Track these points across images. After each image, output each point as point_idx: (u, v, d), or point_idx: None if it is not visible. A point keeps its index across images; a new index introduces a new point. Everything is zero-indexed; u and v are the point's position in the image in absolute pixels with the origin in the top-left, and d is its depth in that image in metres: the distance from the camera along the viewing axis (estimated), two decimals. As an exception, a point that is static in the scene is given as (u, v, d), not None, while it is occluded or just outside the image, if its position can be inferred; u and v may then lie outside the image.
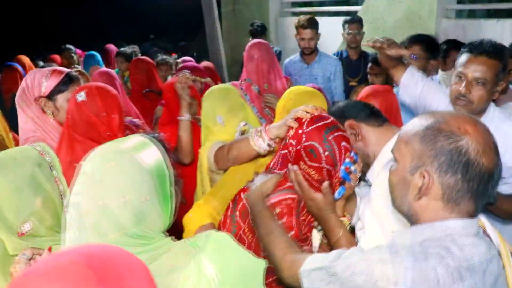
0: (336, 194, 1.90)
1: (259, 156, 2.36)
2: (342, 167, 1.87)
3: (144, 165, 1.38)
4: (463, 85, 2.52)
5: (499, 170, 1.35)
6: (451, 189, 1.32)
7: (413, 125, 1.43)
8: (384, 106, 2.83)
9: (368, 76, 4.71)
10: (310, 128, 1.90)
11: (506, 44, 4.48)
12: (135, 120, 2.93)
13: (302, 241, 2.02)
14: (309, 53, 5.20)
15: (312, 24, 5.14)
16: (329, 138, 1.86)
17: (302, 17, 5.20)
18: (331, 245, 1.89)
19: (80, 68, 6.62)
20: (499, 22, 5.52)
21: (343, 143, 1.88)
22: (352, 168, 1.90)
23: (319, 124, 1.90)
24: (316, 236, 2.09)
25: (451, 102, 2.63)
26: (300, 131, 1.92)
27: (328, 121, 1.93)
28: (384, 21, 6.61)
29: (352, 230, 2.03)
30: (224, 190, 2.40)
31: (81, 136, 2.49)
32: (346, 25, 5.59)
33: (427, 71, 3.70)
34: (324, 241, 2.07)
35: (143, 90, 4.92)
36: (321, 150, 1.85)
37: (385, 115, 2.12)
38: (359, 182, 2.03)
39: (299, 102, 2.41)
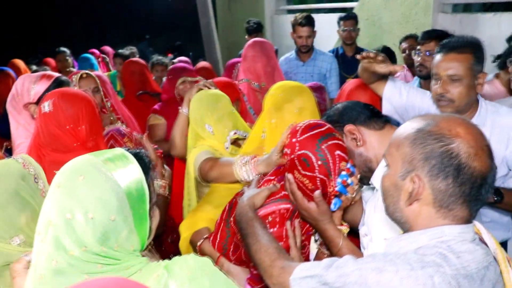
0: (332, 206, 1.84)
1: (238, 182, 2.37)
2: (339, 180, 1.82)
3: (120, 182, 1.32)
4: (439, 84, 2.50)
5: (493, 174, 1.31)
6: (442, 194, 1.28)
7: (404, 129, 1.39)
8: (375, 99, 2.85)
9: None
10: (303, 136, 1.86)
11: (503, 37, 4.47)
12: (121, 128, 2.85)
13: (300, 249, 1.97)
14: (306, 51, 5.17)
15: (310, 21, 5.12)
16: (323, 147, 1.82)
17: (299, 15, 5.18)
18: (333, 255, 1.82)
19: (75, 71, 6.58)
20: (495, 16, 5.48)
21: (337, 152, 1.84)
22: (349, 181, 1.84)
23: (313, 132, 1.86)
24: (313, 246, 2.06)
25: (435, 105, 2.61)
26: (294, 140, 1.89)
27: (323, 129, 1.88)
28: (380, 17, 6.58)
29: (356, 235, 1.99)
30: (217, 194, 2.41)
31: (47, 148, 2.40)
32: (341, 22, 5.57)
33: None
34: (322, 250, 2.02)
35: (136, 93, 4.88)
36: (314, 159, 1.82)
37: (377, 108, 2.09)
38: (361, 187, 1.99)
39: (287, 98, 2.41)
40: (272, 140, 2.33)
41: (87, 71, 3.59)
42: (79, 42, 11.11)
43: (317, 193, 1.82)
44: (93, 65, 6.41)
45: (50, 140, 2.39)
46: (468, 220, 1.33)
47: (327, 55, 5.32)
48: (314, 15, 5.34)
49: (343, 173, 1.83)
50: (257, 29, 6.44)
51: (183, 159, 3.26)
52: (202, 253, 2.22)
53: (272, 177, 2.00)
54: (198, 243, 2.23)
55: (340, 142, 1.88)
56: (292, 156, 1.87)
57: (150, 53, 8.85)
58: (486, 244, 1.39)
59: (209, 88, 3.01)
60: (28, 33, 13.50)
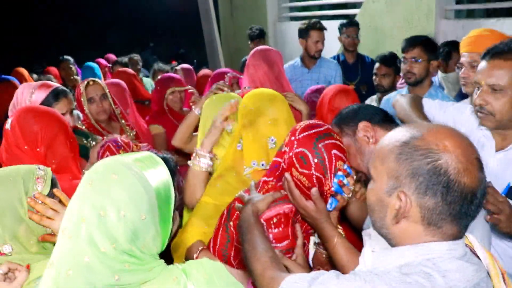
0: (328, 206, 1.86)
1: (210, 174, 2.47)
2: (335, 180, 1.84)
3: (150, 183, 1.35)
4: (477, 94, 2.26)
5: (483, 187, 1.25)
6: (431, 212, 1.23)
7: (389, 140, 1.33)
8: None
9: (374, 77, 4.64)
10: (302, 135, 1.90)
11: (507, 43, 4.44)
12: (120, 139, 2.83)
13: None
14: (319, 56, 5.15)
15: (323, 26, 5.14)
16: (319, 145, 1.86)
17: (313, 20, 5.18)
18: (329, 253, 1.85)
19: (79, 79, 6.60)
20: (498, 21, 5.47)
21: (334, 151, 1.86)
22: (345, 181, 1.86)
23: (311, 131, 1.90)
24: (311, 246, 2.07)
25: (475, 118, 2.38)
26: (292, 138, 1.92)
27: (321, 129, 1.92)
28: (383, 23, 6.58)
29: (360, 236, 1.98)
30: (203, 210, 2.38)
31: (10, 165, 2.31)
32: (343, 29, 5.58)
33: (429, 72, 3.64)
34: (320, 251, 2.03)
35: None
36: (310, 157, 1.85)
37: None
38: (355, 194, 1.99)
39: (259, 111, 2.38)
40: (249, 152, 2.34)
41: (94, 79, 3.61)
42: (83, 50, 11.17)
43: (314, 190, 1.84)
44: (95, 75, 6.41)
45: (11, 158, 2.32)
46: (458, 236, 1.28)
47: (332, 62, 5.32)
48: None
49: (339, 173, 1.85)
50: (259, 36, 6.46)
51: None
52: None
53: (270, 179, 2.03)
54: (195, 255, 2.20)
55: (338, 142, 1.91)
56: (291, 154, 1.91)
57: (153, 61, 8.85)
58: (478, 257, 1.34)
59: (223, 91, 3.07)
60: (31, 41, 13.56)
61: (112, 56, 8.21)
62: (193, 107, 3.23)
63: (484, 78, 2.21)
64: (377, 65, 4.59)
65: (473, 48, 2.83)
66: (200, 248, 2.22)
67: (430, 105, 2.70)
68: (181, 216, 2.76)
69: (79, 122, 3.47)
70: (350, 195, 1.91)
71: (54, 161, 2.35)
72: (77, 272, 1.28)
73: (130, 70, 5.23)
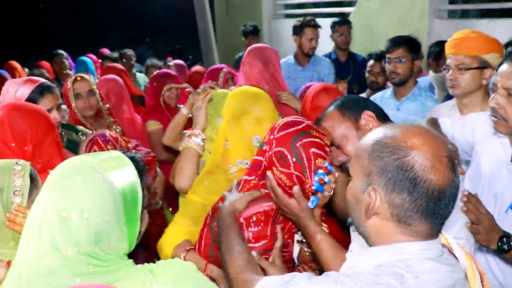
0: (310, 204, 1.84)
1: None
2: (316, 178, 1.82)
3: (116, 184, 1.33)
4: (492, 97, 2.15)
5: (454, 187, 1.25)
6: (399, 208, 1.23)
7: (366, 139, 1.34)
8: None
9: (368, 74, 4.65)
10: (280, 134, 1.90)
11: (499, 43, 4.46)
12: (108, 134, 2.82)
13: (283, 248, 1.98)
14: (313, 54, 5.15)
15: (318, 24, 5.15)
16: (297, 144, 1.86)
17: (307, 18, 5.19)
18: (313, 251, 1.84)
19: (72, 73, 6.58)
20: (491, 22, 5.49)
21: (312, 150, 1.86)
22: (326, 179, 1.83)
23: (290, 130, 1.90)
24: (296, 244, 2.07)
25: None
26: (271, 137, 1.92)
27: (300, 127, 1.91)
28: (377, 22, 6.60)
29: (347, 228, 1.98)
30: (191, 208, 2.37)
31: None
32: (336, 27, 5.60)
33: (413, 72, 3.68)
34: (304, 249, 2.04)
35: None
36: (289, 156, 1.86)
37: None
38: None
39: (243, 109, 2.40)
40: (235, 150, 2.36)
41: (81, 74, 3.59)
42: (79, 45, 11.13)
43: (296, 188, 1.83)
44: (89, 69, 6.39)
45: None
46: (431, 235, 1.28)
47: (326, 61, 5.32)
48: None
49: (320, 171, 1.83)
50: (253, 32, 6.47)
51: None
52: None
53: (252, 177, 2.02)
54: (182, 256, 2.19)
55: (317, 140, 1.89)
56: (270, 153, 1.91)
57: (149, 56, 8.84)
58: (456, 258, 1.34)
59: (213, 88, 3.05)
60: (27, 36, 13.50)
61: (106, 51, 8.17)
62: (181, 107, 3.23)
63: (501, 81, 2.09)
64: (371, 62, 4.60)
65: (459, 50, 2.80)
66: (187, 248, 2.21)
67: (446, 124, 2.62)
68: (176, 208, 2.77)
69: (66, 118, 3.45)
70: (331, 193, 1.90)
71: (41, 160, 2.32)
72: (37, 274, 1.26)
73: (119, 66, 5.21)
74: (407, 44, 3.65)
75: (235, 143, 2.36)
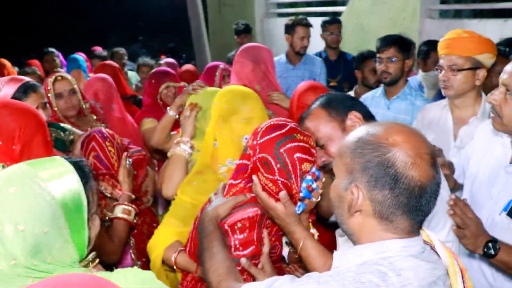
0: (296, 209, 1.80)
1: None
2: (304, 185, 1.79)
3: (54, 193, 1.28)
4: (491, 93, 2.15)
5: (435, 183, 1.26)
6: (381, 205, 1.24)
7: (349, 137, 1.35)
8: None
9: (358, 72, 4.70)
10: (263, 139, 1.84)
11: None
12: (104, 130, 2.76)
13: (270, 250, 1.95)
14: (304, 52, 5.16)
15: (309, 23, 5.15)
16: (281, 150, 1.79)
17: (299, 16, 5.19)
18: (300, 256, 1.81)
19: (63, 71, 6.55)
20: (481, 22, 5.51)
21: (296, 155, 1.79)
22: (314, 185, 1.81)
23: (273, 135, 1.83)
24: (285, 246, 2.05)
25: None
26: (254, 142, 1.86)
27: (283, 130, 1.83)
28: (368, 21, 6.61)
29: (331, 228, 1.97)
30: (181, 208, 2.36)
31: None
32: (327, 26, 5.61)
33: (404, 71, 3.66)
34: (291, 249, 2.03)
35: None
36: (273, 163, 1.80)
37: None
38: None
39: (232, 109, 2.37)
40: (224, 150, 2.34)
41: (62, 74, 3.54)
42: (72, 44, 11.09)
43: (283, 193, 1.78)
44: (80, 66, 6.36)
45: None
46: (412, 232, 1.29)
47: (317, 59, 5.33)
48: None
49: (308, 177, 1.80)
50: (245, 30, 6.48)
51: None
52: (178, 266, 2.19)
53: (237, 181, 1.97)
54: (173, 257, 2.18)
55: (301, 144, 1.82)
56: (254, 159, 1.86)
57: (143, 55, 8.83)
58: (439, 255, 1.35)
59: (201, 89, 3.04)
60: (20, 34, 13.47)
61: (99, 49, 8.15)
62: (167, 108, 3.26)
63: (503, 77, 2.10)
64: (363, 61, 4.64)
65: (452, 51, 2.77)
66: (179, 249, 2.19)
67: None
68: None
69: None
70: (318, 199, 1.87)
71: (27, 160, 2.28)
72: None
73: (114, 63, 5.15)
74: (398, 43, 3.63)
75: (224, 143, 2.34)
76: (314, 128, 1.94)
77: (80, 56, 6.70)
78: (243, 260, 1.82)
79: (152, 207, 3.33)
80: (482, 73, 2.75)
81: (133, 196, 2.70)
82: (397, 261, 1.23)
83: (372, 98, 3.88)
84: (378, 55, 3.69)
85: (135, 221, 2.64)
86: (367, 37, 6.60)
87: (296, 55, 5.18)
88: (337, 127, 1.93)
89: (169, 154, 2.66)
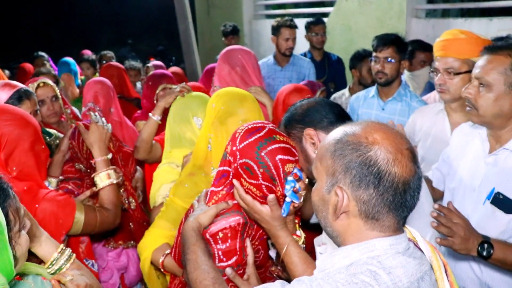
0: (282, 211, 1.79)
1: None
2: (288, 187, 1.77)
3: None
4: (465, 87, 2.21)
5: (418, 178, 1.27)
6: (366, 204, 1.24)
7: (327, 140, 1.35)
8: None
9: (355, 70, 4.70)
10: (242, 144, 1.81)
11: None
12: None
13: (254, 254, 1.93)
14: (290, 54, 5.18)
15: (295, 24, 5.16)
16: (262, 154, 1.76)
17: (284, 18, 5.19)
18: (284, 261, 1.80)
19: (52, 72, 6.52)
20: (466, 21, 5.56)
21: (278, 157, 1.77)
22: (297, 186, 1.79)
23: (252, 139, 1.80)
24: (271, 247, 2.04)
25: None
26: (234, 148, 1.83)
27: (262, 133, 1.81)
28: (356, 21, 6.64)
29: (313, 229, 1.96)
30: (172, 210, 2.35)
31: None
32: (311, 27, 5.63)
33: (399, 72, 3.62)
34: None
35: None
36: (255, 168, 1.77)
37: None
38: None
39: (229, 111, 2.34)
40: (218, 153, 2.27)
41: (44, 80, 3.48)
42: (62, 47, 11.07)
43: (271, 197, 1.76)
44: (71, 70, 6.34)
45: None
46: (398, 229, 1.30)
47: (305, 60, 5.34)
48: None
49: (290, 178, 1.78)
50: (232, 32, 6.50)
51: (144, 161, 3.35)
52: (165, 269, 2.19)
53: (219, 188, 1.94)
54: (160, 260, 2.19)
55: (282, 145, 1.81)
56: (236, 165, 1.83)
57: (132, 58, 8.83)
58: (422, 251, 1.36)
59: (187, 92, 3.04)
60: (8, 38, 13.40)
61: (88, 53, 8.13)
62: (150, 114, 3.22)
63: (475, 71, 2.17)
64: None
65: (448, 53, 2.70)
66: (166, 253, 2.19)
67: (436, 177, 2.65)
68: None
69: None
70: (302, 200, 1.86)
71: (16, 168, 2.22)
72: None
73: (119, 65, 5.13)
74: (396, 43, 3.55)
75: (219, 145, 2.29)
76: None
77: (71, 60, 6.67)
78: (228, 271, 1.79)
79: (141, 204, 3.35)
80: None
81: (108, 156, 2.66)
82: (386, 259, 1.24)
83: (365, 99, 3.83)
84: (374, 54, 3.61)
85: (120, 178, 2.69)
86: (355, 38, 6.64)
87: (283, 56, 5.21)
88: (298, 145, 1.90)
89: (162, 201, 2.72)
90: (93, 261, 2.66)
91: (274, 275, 2.04)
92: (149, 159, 3.25)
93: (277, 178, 1.78)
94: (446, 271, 1.37)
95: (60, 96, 3.55)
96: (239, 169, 1.82)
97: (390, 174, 1.22)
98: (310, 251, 2.03)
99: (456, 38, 2.70)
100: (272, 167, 1.76)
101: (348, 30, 6.74)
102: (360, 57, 4.73)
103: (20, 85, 2.87)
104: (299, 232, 1.97)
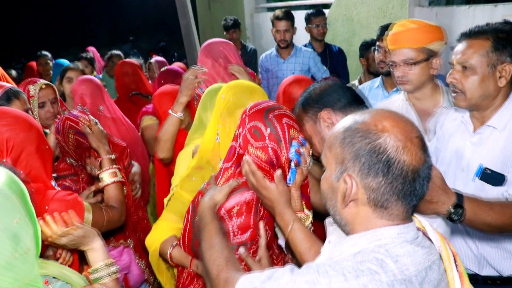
0: (288, 180, 1.87)
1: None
2: (292, 149, 1.86)
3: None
4: (449, 73, 2.29)
5: (427, 167, 1.27)
6: (375, 192, 1.25)
7: (336, 128, 1.35)
8: None
9: (363, 59, 4.66)
10: (252, 111, 1.93)
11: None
12: (73, 112, 2.83)
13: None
14: (285, 46, 5.19)
15: (287, 16, 5.16)
16: (270, 116, 1.88)
17: (278, 10, 5.24)
18: (288, 240, 1.82)
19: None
20: (470, 8, 5.52)
21: (284, 120, 1.89)
22: (301, 150, 1.87)
23: (261, 106, 1.93)
24: (280, 235, 2.04)
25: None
26: (244, 116, 1.94)
27: (270, 103, 1.96)
28: (358, 12, 6.60)
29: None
30: (179, 203, 2.35)
31: None
32: (311, 18, 5.62)
33: None
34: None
35: (129, 94, 4.81)
36: (263, 128, 1.87)
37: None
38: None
39: (239, 102, 2.33)
40: (226, 145, 2.26)
41: (47, 82, 3.46)
42: (63, 46, 11.07)
43: (279, 172, 1.83)
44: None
45: None
46: (406, 218, 1.30)
47: (308, 51, 5.34)
48: (294, 12, 5.36)
49: (294, 142, 1.87)
50: (233, 26, 6.49)
51: (167, 162, 3.27)
52: (173, 261, 2.21)
53: (229, 164, 2.01)
54: (168, 251, 2.20)
55: (288, 113, 1.93)
56: (244, 131, 1.91)
57: (133, 55, 8.81)
58: (431, 240, 1.35)
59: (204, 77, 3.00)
60: (11, 37, 13.43)
61: (92, 49, 8.12)
62: (169, 111, 3.09)
63: (456, 57, 2.24)
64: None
65: (403, 44, 2.69)
66: (174, 244, 2.21)
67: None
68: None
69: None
70: (307, 166, 1.93)
71: (23, 172, 2.17)
72: None
73: (134, 61, 5.11)
74: None
75: (227, 136, 2.31)
76: (300, 129, 1.99)
77: (66, 61, 6.63)
78: (241, 250, 1.85)
79: (142, 203, 3.34)
80: (437, 61, 2.70)
81: (113, 156, 2.70)
82: (393, 247, 1.24)
83: (370, 90, 3.84)
84: (377, 43, 3.63)
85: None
86: (357, 28, 6.61)
87: (281, 48, 5.23)
88: (313, 126, 1.99)
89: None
90: None
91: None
92: (169, 159, 3.20)
93: (282, 140, 1.87)
94: (455, 261, 1.36)
95: (59, 98, 3.53)
96: (247, 135, 1.90)
97: (400, 162, 1.22)
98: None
99: (408, 28, 2.69)
100: (278, 128, 1.87)
101: (350, 21, 6.70)
102: (368, 46, 4.72)
103: (7, 85, 2.85)
104: (307, 211, 2.00)
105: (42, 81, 3.44)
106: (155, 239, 2.31)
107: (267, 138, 1.86)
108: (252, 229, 1.90)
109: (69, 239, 1.93)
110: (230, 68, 3.51)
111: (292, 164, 1.87)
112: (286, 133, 1.87)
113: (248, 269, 1.85)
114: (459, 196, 1.87)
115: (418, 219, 1.39)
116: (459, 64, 2.23)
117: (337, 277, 1.19)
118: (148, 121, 4.09)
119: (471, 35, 2.22)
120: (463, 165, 2.34)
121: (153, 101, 3.36)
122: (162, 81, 4.16)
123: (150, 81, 5.39)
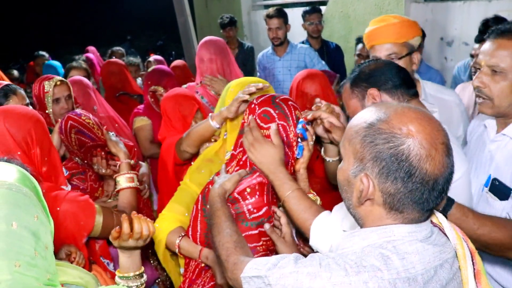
0: (296, 153, 2.01)
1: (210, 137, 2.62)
2: (299, 125, 2.01)
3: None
4: (476, 76, 2.05)
5: (449, 173, 1.22)
6: (392, 197, 1.22)
7: (358, 119, 1.30)
8: (325, 89, 2.91)
9: (356, 58, 4.69)
10: (260, 100, 2.07)
11: (473, 24, 4.52)
12: (76, 111, 2.85)
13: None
14: (278, 44, 5.21)
15: (279, 13, 5.18)
16: (277, 100, 2.04)
17: (271, 8, 5.27)
18: (284, 206, 1.86)
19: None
20: (465, 4, 5.55)
21: (290, 102, 2.06)
22: (308, 126, 2.03)
23: (268, 95, 2.10)
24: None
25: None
26: (252, 105, 2.08)
27: (276, 94, 2.14)
28: (354, 9, 6.63)
29: None
30: (185, 194, 2.37)
31: None
32: (307, 16, 5.66)
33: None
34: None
35: (116, 93, 4.77)
36: (272, 111, 2.01)
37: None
38: None
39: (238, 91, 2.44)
40: (232, 136, 2.34)
41: (61, 78, 3.47)
42: (61, 45, 11.08)
43: (274, 125, 1.98)
44: (58, 74, 6.25)
45: None
46: (421, 220, 1.28)
47: (303, 47, 5.35)
48: (290, 10, 5.39)
49: (301, 119, 2.03)
50: (230, 23, 6.50)
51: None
52: (181, 251, 2.22)
53: (237, 151, 2.11)
54: (176, 242, 2.21)
55: (291, 98, 2.11)
56: (254, 117, 2.04)
57: (131, 54, 8.83)
58: (447, 237, 1.33)
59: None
60: (8, 37, 13.41)
61: (91, 48, 8.13)
62: (210, 116, 2.80)
63: (485, 59, 2.00)
64: (360, 46, 4.67)
65: (386, 39, 2.57)
66: (182, 235, 2.23)
67: None
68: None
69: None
70: (312, 142, 2.08)
71: (45, 160, 2.25)
72: None
73: (119, 61, 5.09)
74: None
75: (234, 129, 2.38)
76: (345, 104, 2.08)
77: (57, 63, 6.59)
78: (266, 226, 1.93)
79: (148, 201, 3.36)
80: (417, 56, 2.59)
81: (132, 161, 2.73)
82: (401, 244, 1.22)
83: None
84: (357, 52, 3.65)
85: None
86: (354, 25, 6.63)
87: (277, 46, 5.26)
88: (358, 104, 2.00)
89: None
90: (109, 260, 2.64)
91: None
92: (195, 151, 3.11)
93: (290, 117, 2.01)
94: (473, 259, 1.32)
95: (73, 95, 3.52)
96: (257, 120, 2.03)
97: (421, 171, 1.17)
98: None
99: (390, 23, 2.58)
100: (286, 108, 2.02)
101: (346, 18, 6.73)
102: (362, 42, 4.74)
103: (3, 82, 2.86)
104: (312, 195, 2.08)
105: (57, 77, 3.45)
106: (161, 229, 2.31)
107: (276, 118, 2.00)
108: (267, 207, 1.97)
109: (139, 244, 1.92)
110: (203, 80, 3.59)
111: (300, 140, 2.01)
112: (293, 112, 2.03)
113: (272, 244, 1.95)
114: (450, 200, 1.80)
115: (436, 214, 1.37)
116: (488, 67, 1.99)
117: (338, 272, 1.19)
118: (140, 122, 4.08)
119: (503, 34, 1.97)
120: (479, 172, 2.22)
121: (162, 104, 3.33)
122: (149, 82, 4.09)
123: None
